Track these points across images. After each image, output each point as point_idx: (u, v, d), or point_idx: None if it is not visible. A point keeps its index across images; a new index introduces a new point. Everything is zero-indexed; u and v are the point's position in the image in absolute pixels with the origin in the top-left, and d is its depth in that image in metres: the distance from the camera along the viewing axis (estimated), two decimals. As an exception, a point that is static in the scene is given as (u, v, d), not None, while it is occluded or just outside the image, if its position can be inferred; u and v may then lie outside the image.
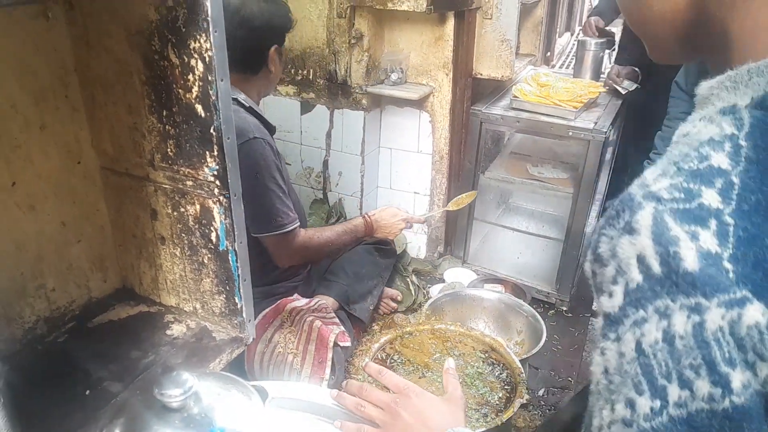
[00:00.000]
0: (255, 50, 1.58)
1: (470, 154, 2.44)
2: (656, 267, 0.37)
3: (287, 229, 1.62)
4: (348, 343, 1.72)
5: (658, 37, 0.51)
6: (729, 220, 0.36)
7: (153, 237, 1.01)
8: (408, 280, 2.36)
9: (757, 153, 0.38)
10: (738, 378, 0.34)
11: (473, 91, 2.51)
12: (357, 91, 2.31)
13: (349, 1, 2.13)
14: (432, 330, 1.72)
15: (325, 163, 2.53)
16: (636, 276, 0.38)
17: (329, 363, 1.58)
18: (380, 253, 2.03)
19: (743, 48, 0.44)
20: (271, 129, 1.69)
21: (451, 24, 2.21)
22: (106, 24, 0.87)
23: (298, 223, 1.67)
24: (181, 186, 0.93)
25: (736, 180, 0.37)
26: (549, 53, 3.74)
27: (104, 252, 1.06)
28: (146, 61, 0.86)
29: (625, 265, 0.39)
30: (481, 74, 2.45)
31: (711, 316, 0.35)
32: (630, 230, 0.39)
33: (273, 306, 1.71)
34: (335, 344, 1.65)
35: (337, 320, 1.76)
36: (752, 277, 0.35)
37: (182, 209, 0.95)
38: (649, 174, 0.43)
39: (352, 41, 2.22)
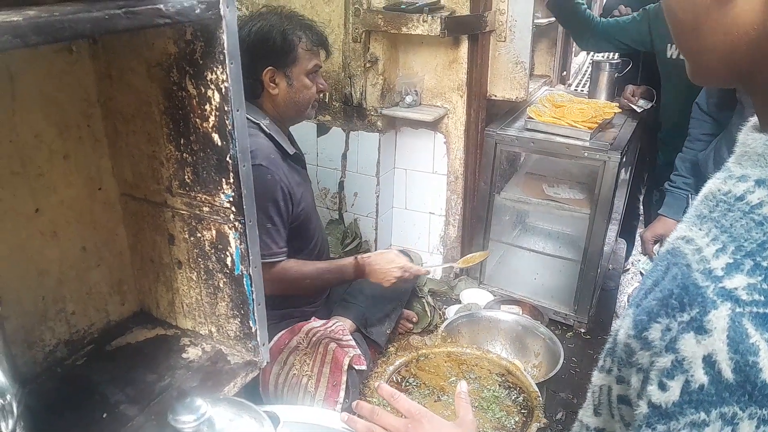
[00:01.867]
0: (247, 76, 1.60)
1: (485, 174, 2.45)
2: (728, 373, 0.35)
3: (263, 261, 1.57)
4: (364, 367, 1.72)
5: (707, 65, 0.47)
6: None
7: (170, 261, 1.03)
8: (424, 301, 2.36)
9: None
10: None
11: (488, 112, 2.53)
12: (372, 113, 2.34)
13: (364, 26, 2.18)
14: (448, 353, 1.71)
15: (341, 184, 2.56)
16: (701, 377, 0.36)
17: (344, 386, 1.58)
18: None
19: None
20: (291, 156, 1.70)
21: (465, 47, 2.23)
22: (128, 58, 0.90)
23: (278, 258, 1.63)
24: (197, 212, 0.95)
25: None
26: (565, 72, 3.74)
27: (123, 276, 1.09)
28: (165, 92, 0.89)
29: (687, 363, 0.37)
30: (496, 96, 2.47)
31: None
32: (699, 329, 0.37)
33: (289, 328, 1.71)
34: (350, 367, 1.65)
35: (353, 342, 1.76)
36: None
37: (199, 234, 0.97)
38: (712, 256, 0.40)
39: (368, 65, 2.26)
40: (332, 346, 1.66)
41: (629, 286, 2.93)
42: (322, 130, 2.49)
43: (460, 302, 2.51)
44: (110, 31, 0.65)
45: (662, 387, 0.38)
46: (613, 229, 2.97)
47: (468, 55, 2.24)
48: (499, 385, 1.64)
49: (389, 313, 1.98)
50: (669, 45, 2.15)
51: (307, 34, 1.63)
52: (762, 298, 0.36)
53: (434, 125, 2.40)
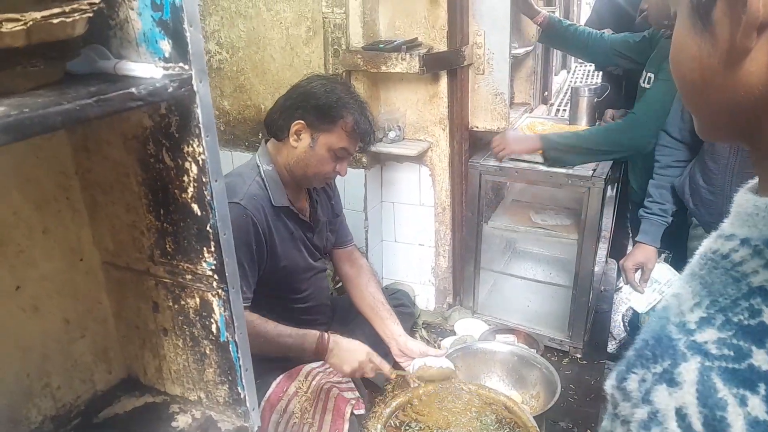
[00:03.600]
0: (282, 117, 1.63)
1: (472, 204, 2.46)
2: (698, 427, 0.36)
3: None
4: (362, 411, 1.70)
5: (713, 124, 0.48)
6: None
7: (155, 328, 1.02)
8: (418, 335, 2.34)
9: None
10: None
11: (471, 142, 2.55)
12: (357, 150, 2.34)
13: (344, 67, 2.20)
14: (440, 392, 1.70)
15: (329, 222, 2.56)
16: (675, 430, 0.37)
17: None
18: (398, 316, 2.02)
19: None
20: (282, 208, 1.67)
21: (444, 82, 2.26)
22: (104, 131, 0.90)
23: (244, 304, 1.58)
24: (180, 280, 0.94)
25: None
26: (546, 92, 3.79)
27: (108, 344, 1.07)
28: (142, 164, 0.89)
29: (662, 415, 0.37)
30: (477, 127, 2.49)
31: None
32: (670, 381, 0.38)
33: (286, 373, 1.68)
34: (351, 413, 1.63)
35: (352, 384, 1.74)
36: None
37: (183, 302, 0.96)
38: (688, 310, 0.41)
39: (349, 104, 2.27)
40: (334, 392, 1.63)
41: (622, 305, 2.93)
42: (308, 168, 2.50)
43: (455, 333, 2.50)
44: (82, 121, 0.65)
45: None
46: (603, 249, 2.98)
47: (448, 89, 2.27)
48: (498, 423, 1.63)
49: (388, 352, 1.96)
50: (644, 72, 2.16)
51: (357, 120, 1.62)
52: (731, 353, 0.36)
53: (418, 159, 2.42)
